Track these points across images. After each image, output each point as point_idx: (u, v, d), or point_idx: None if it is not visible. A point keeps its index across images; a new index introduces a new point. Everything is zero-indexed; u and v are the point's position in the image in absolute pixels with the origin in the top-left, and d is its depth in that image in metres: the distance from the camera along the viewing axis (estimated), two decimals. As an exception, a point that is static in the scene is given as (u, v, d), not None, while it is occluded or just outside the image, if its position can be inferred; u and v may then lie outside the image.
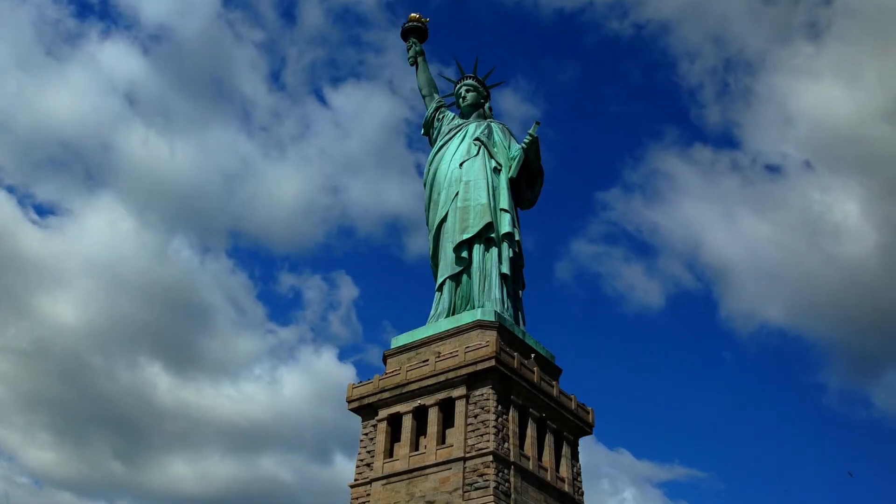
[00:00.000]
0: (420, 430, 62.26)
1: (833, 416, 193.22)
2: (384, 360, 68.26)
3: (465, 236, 68.98)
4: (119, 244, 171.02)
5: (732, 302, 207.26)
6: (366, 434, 64.79)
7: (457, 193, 71.11)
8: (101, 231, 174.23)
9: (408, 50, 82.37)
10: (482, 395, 60.15)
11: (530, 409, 62.39)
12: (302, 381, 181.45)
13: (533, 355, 65.51)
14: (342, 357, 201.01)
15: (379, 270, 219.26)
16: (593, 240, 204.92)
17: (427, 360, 63.52)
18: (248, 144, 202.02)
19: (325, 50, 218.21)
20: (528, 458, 60.36)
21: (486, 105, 79.82)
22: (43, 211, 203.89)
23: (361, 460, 63.67)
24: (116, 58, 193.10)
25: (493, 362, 59.91)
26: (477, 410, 59.69)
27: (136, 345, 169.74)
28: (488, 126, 75.62)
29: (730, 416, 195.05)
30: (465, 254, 68.83)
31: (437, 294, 70.11)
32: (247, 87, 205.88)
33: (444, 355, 62.89)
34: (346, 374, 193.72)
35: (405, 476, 60.16)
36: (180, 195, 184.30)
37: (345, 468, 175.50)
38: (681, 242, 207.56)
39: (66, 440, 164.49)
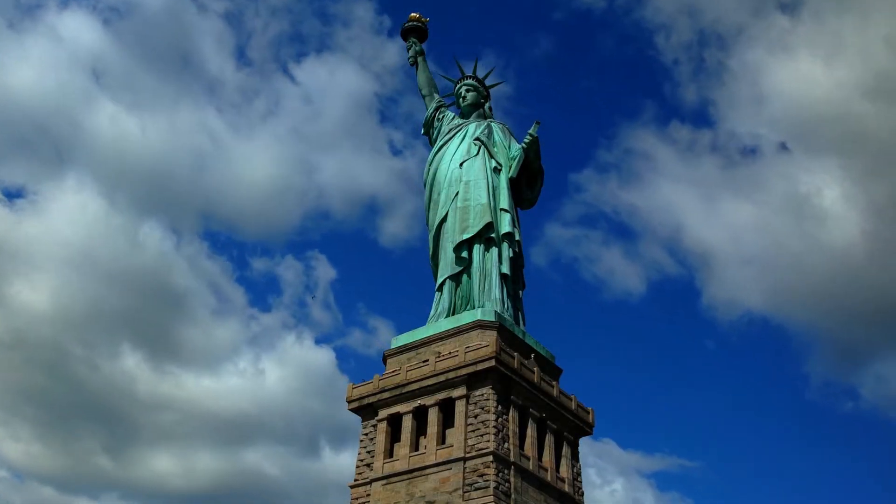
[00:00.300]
0: (420, 430, 62.23)
1: (818, 407, 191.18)
2: (384, 360, 68.23)
3: (466, 236, 68.94)
4: (91, 229, 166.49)
5: (715, 289, 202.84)
6: (366, 434, 64.75)
7: (457, 193, 71.07)
8: (72, 215, 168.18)
9: (408, 50, 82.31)
10: (482, 395, 60.12)
11: (530, 410, 62.36)
12: (285, 370, 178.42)
13: (533, 355, 65.47)
14: (323, 342, 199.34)
15: (355, 253, 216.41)
16: (568, 223, 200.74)
17: (427, 360, 63.48)
18: (217, 122, 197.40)
19: (290, 22, 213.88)
20: (528, 459, 60.33)
21: (487, 105, 79.78)
22: (10, 194, 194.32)
23: (361, 460, 63.63)
24: (77, 30, 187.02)
25: (493, 362, 59.88)
26: (477, 410, 59.65)
27: (116, 334, 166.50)
28: (488, 126, 75.57)
29: (714, 406, 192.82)
30: (465, 254, 68.79)
31: (437, 294, 70.07)
32: (214, 62, 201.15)
33: (444, 355, 62.86)
34: (326, 359, 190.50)
35: (405, 476, 60.13)
36: (151, 176, 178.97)
37: (333, 461, 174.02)
38: (661, 226, 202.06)
39: (47, 433, 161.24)
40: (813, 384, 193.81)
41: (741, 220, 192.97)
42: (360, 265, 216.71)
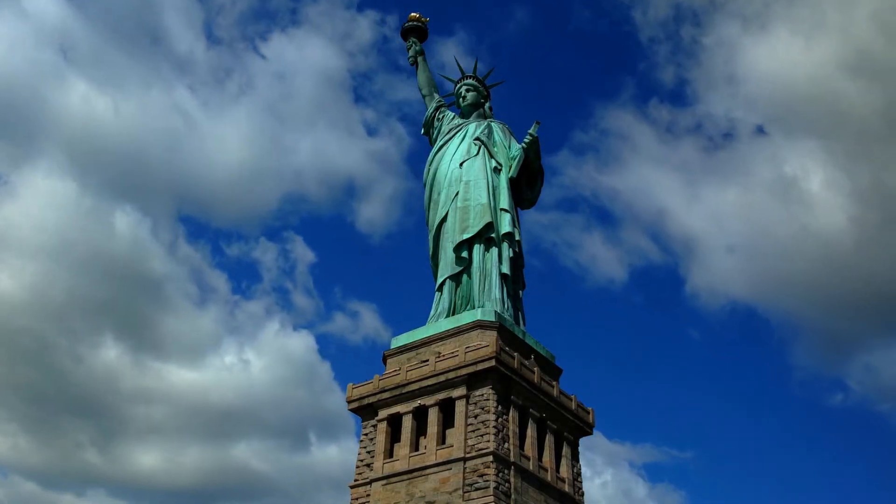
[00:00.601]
0: (420, 430, 62.18)
1: (804, 399, 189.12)
2: (384, 360, 68.18)
3: (466, 236, 68.89)
4: (65, 214, 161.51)
5: (699, 277, 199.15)
6: (366, 434, 64.71)
7: (457, 193, 71.02)
8: (47, 200, 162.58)
9: (407, 49, 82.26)
10: (482, 395, 60.07)
11: (530, 410, 62.31)
12: (268, 360, 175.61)
13: (533, 355, 65.42)
14: (305, 328, 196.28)
15: (334, 238, 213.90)
16: (545, 207, 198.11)
17: (427, 361, 63.44)
18: (190, 102, 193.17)
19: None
20: (528, 459, 60.29)
21: (487, 105, 79.73)
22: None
23: (361, 461, 63.59)
24: (43, 4, 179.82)
25: (493, 362, 59.83)
26: (477, 411, 59.61)
27: (97, 324, 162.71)
28: (488, 126, 75.52)
29: (700, 397, 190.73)
30: (465, 254, 68.74)
31: (437, 294, 70.02)
32: (183, 40, 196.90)
33: (444, 355, 62.81)
34: (309, 346, 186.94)
35: (405, 476, 60.08)
36: (124, 158, 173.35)
37: (322, 455, 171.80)
38: (643, 211, 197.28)
39: (31, 426, 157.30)
40: (799, 375, 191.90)
41: (724, 205, 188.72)
42: (339, 249, 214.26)
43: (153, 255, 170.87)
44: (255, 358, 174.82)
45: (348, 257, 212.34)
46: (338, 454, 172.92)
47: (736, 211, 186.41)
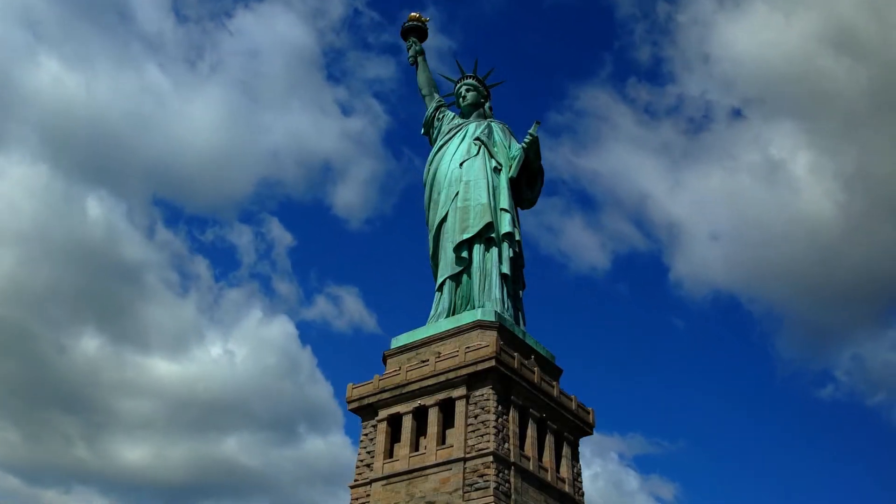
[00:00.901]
0: (420, 430, 62.13)
1: (790, 390, 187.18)
2: (384, 360, 68.14)
3: (466, 236, 68.84)
4: (40, 198, 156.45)
5: (683, 265, 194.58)
6: (366, 434, 64.66)
7: (457, 193, 70.97)
8: (21, 183, 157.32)
9: (408, 49, 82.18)
10: (482, 395, 60.01)
11: (530, 410, 62.25)
12: (252, 349, 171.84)
13: (533, 356, 65.37)
14: (286, 315, 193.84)
15: (311, 221, 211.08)
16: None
17: (427, 361, 63.38)
18: (162, 81, 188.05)
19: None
20: (528, 459, 60.23)
21: (487, 105, 79.68)
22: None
23: (361, 461, 63.54)
24: None
25: (493, 362, 59.77)
26: (477, 411, 59.55)
27: (76, 314, 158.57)
28: (488, 126, 75.47)
29: (689, 389, 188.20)
30: (465, 254, 68.69)
31: (437, 294, 69.98)
32: (151, 17, 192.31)
33: (444, 355, 62.76)
34: (291, 333, 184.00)
35: (405, 476, 60.02)
36: (97, 140, 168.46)
37: (313, 447, 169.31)
38: (625, 195, 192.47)
39: (13, 419, 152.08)
40: (785, 366, 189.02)
41: (708, 190, 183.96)
42: (318, 234, 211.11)
43: (130, 241, 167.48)
44: (239, 348, 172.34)
45: (328, 242, 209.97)
46: (328, 448, 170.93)
47: (719, 197, 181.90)
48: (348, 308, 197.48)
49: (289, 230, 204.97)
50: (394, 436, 63.32)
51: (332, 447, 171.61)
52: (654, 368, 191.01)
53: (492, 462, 56.85)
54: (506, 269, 68.39)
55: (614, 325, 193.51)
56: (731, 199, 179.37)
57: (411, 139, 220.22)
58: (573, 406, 66.33)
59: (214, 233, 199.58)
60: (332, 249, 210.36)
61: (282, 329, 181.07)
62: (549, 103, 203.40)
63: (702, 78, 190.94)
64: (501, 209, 70.40)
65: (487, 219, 69.00)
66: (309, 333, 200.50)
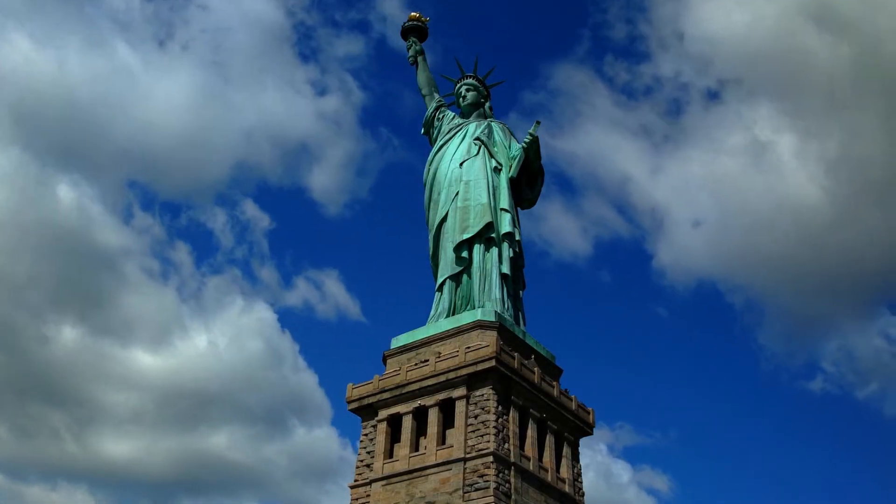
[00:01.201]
0: (420, 430, 62.06)
1: (776, 381, 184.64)
2: (384, 360, 68.09)
3: (466, 236, 68.78)
4: (10, 183, 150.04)
5: (666, 252, 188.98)
6: (365, 434, 64.61)
7: (457, 193, 70.90)
8: None
9: (408, 49, 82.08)
10: (482, 395, 59.95)
11: (531, 410, 62.19)
12: (235, 339, 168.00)
13: (533, 356, 65.31)
14: (267, 302, 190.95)
15: (288, 206, 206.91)
16: None
17: (427, 361, 63.33)
18: (132, 61, 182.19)
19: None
20: (528, 459, 60.17)
21: (487, 104, 79.62)
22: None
23: (361, 461, 63.50)
24: None
25: (493, 363, 59.71)
26: (477, 411, 59.50)
27: (56, 303, 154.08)
28: (488, 125, 75.43)
29: (675, 378, 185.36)
30: (465, 254, 68.64)
31: (437, 294, 69.93)
32: None
33: (444, 355, 62.70)
34: (272, 320, 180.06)
35: (405, 477, 59.97)
36: (67, 122, 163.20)
37: (302, 441, 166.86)
38: (606, 179, 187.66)
39: None
40: (770, 356, 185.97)
41: (690, 175, 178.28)
42: (296, 219, 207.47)
43: (106, 227, 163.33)
44: (221, 338, 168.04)
45: (306, 226, 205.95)
46: (315, 442, 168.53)
47: (702, 182, 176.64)
48: (330, 294, 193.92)
49: (266, 213, 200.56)
50: (394, 436, 63.26)
51: (319, 441, 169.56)
52: (639, 359, 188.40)
53: (492, 462, 56.79)
54: (506, 269, 68.33)
55: (597, 313, 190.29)
56: (713, 183, 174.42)
57: (388, 118, 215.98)
58: (573, 406, 66.27)
59: (189, 217, 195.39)
60: (311, 234, 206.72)
61: (263, 317, 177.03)
62: (524, 82, 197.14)
63: (678, 57, 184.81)
64: (501, 209, 70.35)
65: (487, 219, 68.95)
66: (290, 321, 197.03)
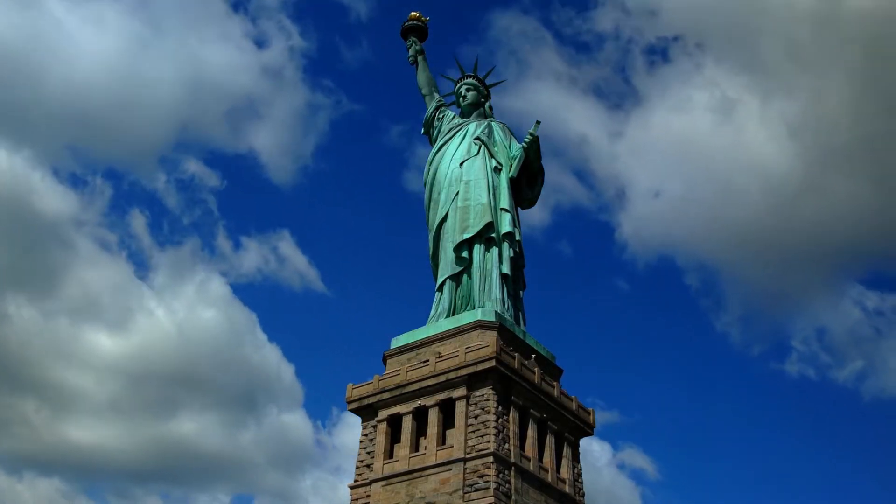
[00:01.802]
0: (420, 430, 62.01)
1: (744, 358, 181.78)
2: (384, 360, 68.04)
3: (466, 236, 68.73)
4: None
5: (627, 222, 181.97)
6: (365, 435, 64.56)
7: (457, 193, 70.86)
8: None
9: (408, 49, 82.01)
10: (482, 395, 59.89)
11: (531, 410, 62.13)
12: (194, 314, 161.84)
13: (533, 356, 65.26)
14: (222, 275, 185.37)
15: (233, 166, 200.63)
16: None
17: (427, 361, 63.27)
18: (60, 12, 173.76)
19: None
20: (528, 459, 60.11)
21: (487, 104, 79.57)
22: None
23: (361, 461, 63.45)
24: None
25: (493, 363, 59.65)
26: (477, 411, 59.44)
27: (6, 280, 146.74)
28: (489, 125, 75.38)
29: (641, 355, 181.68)
30: (465, 254, 68.59)
31: (437, 294, 69.88)
32: None
33: (444, 356, 62.65)
34: (227, 292, 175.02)
35: (405, 477, 59.92)
36: None
37: (271, 425, 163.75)
38: (562, 142, 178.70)
39: None
40: (737, 332, 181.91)
41: (651, 139, 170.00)
42: (242, 180, 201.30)
43: (51, 194, 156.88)
44: (179, 313, 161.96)
45: (253, 189, 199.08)
46: (284, 423, 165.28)
47: (662, 146, 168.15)
48: (289, 263, 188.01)
49: (212, 175, 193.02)
50: (394, 436, 63.21)
51: (289, 423, 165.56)
52: (605, 336, 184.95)
53: (492, 462, 56.74)
54: (506, 269, 68.28)
55: (557, 286, 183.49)
56: (674, 148, 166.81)
57: (329, 69, 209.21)
58: (573, 406, 66.21)
59: (132, 182, 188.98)
60: (259, 197, 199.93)
61: (220, 291, 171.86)
62: (462, 35, 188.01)
63: (625, 12, 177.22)
64: (502, 209, 70.30)
65: (488, 219, 68.90)
66: (247, 293, 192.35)
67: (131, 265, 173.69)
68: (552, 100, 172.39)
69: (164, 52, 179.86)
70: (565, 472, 63.62)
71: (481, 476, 56.66)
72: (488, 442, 57.60)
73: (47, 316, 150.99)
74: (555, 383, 65.69)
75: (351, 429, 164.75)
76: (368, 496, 61.22)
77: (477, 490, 56.26)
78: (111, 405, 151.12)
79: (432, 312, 69.10)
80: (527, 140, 72.25)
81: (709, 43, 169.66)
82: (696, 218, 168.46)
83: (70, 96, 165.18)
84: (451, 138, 75.10)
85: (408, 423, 62.33)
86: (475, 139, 73.58)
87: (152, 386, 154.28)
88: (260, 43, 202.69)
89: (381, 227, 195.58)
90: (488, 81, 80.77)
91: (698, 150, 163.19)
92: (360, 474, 62.98)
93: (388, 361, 67.37)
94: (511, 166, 72.57)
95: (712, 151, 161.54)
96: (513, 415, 60.50)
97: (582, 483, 65.46)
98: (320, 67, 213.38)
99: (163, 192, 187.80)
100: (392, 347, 68.01)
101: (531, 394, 62.33)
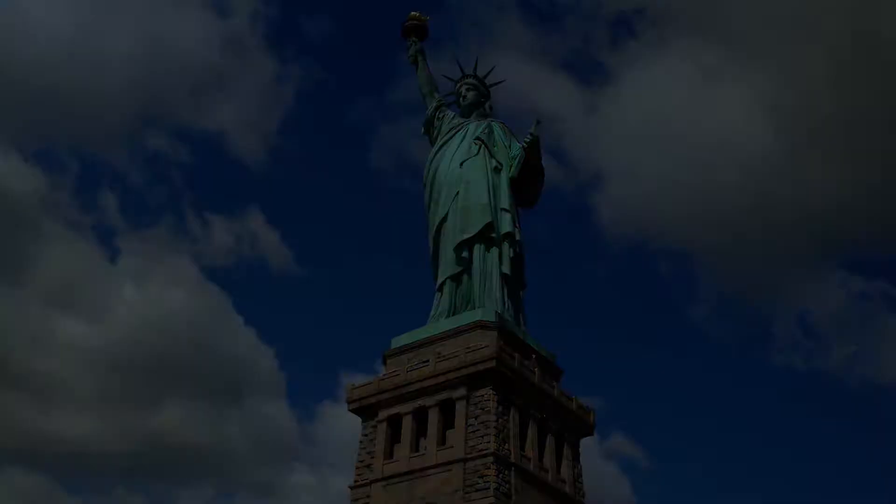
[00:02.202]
0: (420, 431, 62.01)
1: (725, 347, 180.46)
2: (384, 360, 68.00)
3: (466, 236, 68.67)
4: None
5: (605, 203, 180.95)
6: (366, 435, 64.55)
7: (457, 193, 70.76)
8: None
9: (408, 49, 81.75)
10: (483, 396, 59.86)
11: (531, 411, 62.11)
12: (170, 299, 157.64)
13: (534, 356, 65.22)
14: (193, 256, 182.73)
15: (198, 142, 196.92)
16: (398, 113, 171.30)
17: (427, 361, 63.23)
18: None
19: None
20: (528, 460, 60.10)
21: (487, 104, 79.42)
22: None
23: (361, 461, 63.44)
24: None
25: (493, 363, 59.62)
26: (477, 411, 59.42)
27: None
28: (489, 125, 75.26)
29: (621, 338, 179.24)
30: (465, 254, 68.53)
31: (437, 294, 69.85)
32: None
33: (444, 356, 62.61)
34: (198, 277, 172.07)
35: (405, 477, 59.93)
36: None
37: (256, 414, 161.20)
38: (526, 115, 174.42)
39: None
40: (718, 319, 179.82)
41: (623, 114, 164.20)
42: (208, 157, 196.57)
43: (14, 174, 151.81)
44: (151, 296, 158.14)
45: (220, 166, 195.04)
46: (269, 416, 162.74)
47: (639, 125, 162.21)
48: (259, 241, 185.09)
49: (178, 153, 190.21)
50: (394, 436, 63.18)
51: (269, 418, 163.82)
52: (584, 320, 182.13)
53: (492, 463, 56.73)
54: (506, 270, 68.21)
55: (535, 268, 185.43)
56: (655, 128, 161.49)
57: (296, 38, 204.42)
58: (574, 407, 66.19)
59: (98, 161, 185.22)
60: (229, 175, 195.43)
61: (192, 273, 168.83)
62: (420, 4, 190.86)
63: None
64: (502, 209, 70.22)
65: (488, 219, 68.84)
66: (225, 273, 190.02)
67: (102, 248, 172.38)
68: (521, 73, 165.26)
69: (123, 24, 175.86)
70: (565, 473, 63.59)
71: (481, 476, 56.66)
72: (488, 442, 57.58)
73: (19, 304, 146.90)
74: (555, 384, 65.68)
75: (337, 420, 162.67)
76: (369, 496, 61.21)
77: (477, 490, 56.27)
78: (89, 395, 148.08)
79: (432, 312, 69.07)
80: (527, 140, 72.16)
81: (674, 15, 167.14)
82: (677, 202, 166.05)
83: (28, 74, 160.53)
84: (451, 138, 74.98)
85: (408, 424, 62.31)
86: (475, 139, 73.48)
87: (130, 375, 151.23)
88: (222, 12, 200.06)
89: (352, 202, 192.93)
90: (488, 81, 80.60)
91: (676, 127, 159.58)
92: (360, 475, 62.95)
93: (388, 361, 67.32)
94: (511, 166, 72.47)
95: (686, 129, 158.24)
96: (513, 415, 60.47)
97: (582, 483, 65.44)
98: (282, 35, 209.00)
99: (128, 171, 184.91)
100: (392, 347, 67.95)
101: (531, 394, 62.31)
